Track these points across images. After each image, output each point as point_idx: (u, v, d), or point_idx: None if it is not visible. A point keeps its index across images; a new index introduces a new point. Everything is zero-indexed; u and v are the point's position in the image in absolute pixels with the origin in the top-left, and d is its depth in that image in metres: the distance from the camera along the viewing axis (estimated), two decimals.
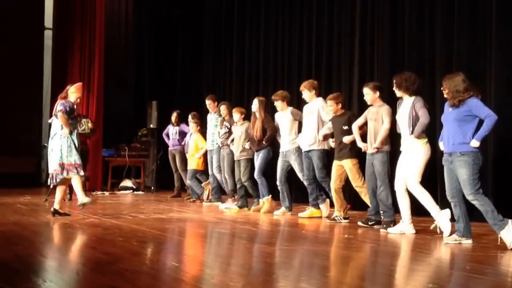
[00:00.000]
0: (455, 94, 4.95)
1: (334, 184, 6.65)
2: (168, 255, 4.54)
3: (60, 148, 6.61)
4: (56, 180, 6.61)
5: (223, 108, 8.65)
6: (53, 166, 6.63)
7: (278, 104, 7.51)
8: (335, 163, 6.69)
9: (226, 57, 11.47)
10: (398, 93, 5.67)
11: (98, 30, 11.88)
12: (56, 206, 6.60)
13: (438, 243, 5.10)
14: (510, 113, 6.10)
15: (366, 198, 6.44)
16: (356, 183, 6.53)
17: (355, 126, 6.32)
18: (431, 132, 5.96)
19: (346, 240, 5.37)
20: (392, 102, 6.21)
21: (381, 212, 6.09)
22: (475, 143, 4.87)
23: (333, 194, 6.70)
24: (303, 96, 7.19)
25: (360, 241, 5.29)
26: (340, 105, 6.73)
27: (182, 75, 12.82)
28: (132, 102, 13.25)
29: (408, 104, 5.55)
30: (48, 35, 12.87)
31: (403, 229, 5.61)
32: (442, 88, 5.13)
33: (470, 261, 4.36)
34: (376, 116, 6.08)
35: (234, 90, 10.98)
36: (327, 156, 6.98)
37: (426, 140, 5.51)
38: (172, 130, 10.30)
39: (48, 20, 12.83)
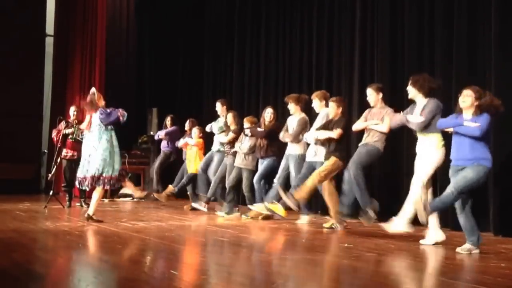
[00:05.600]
0: (473, 105, 4.96)
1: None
2: (167, 263, 4.51)
3: (107, 158, 6.66)
4: (89, 185, 6.66)
5: (230, 116, 8.64)
6: (92, 172, 6.63)
7: (291, 107, 7.53)
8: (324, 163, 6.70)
9: (226, 64, 11.47)
10: (412, 92, 5.60)
11: (99, 37, 11.90)
12: (91, 212, 6.74)
13: (441, 252, 5.08)
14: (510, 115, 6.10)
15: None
16: (320, 176, 6.44)
17: (355, 129, 6.34)
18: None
19: (346, 249, 5.34)
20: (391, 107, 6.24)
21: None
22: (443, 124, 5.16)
23: (323, 193, 6.73)
24: (312, 105, 7.20)
25: (360, 250, 5.26)
26: (340, 109, 6.71)
27: (182, 82, 12.82)
28: (133, 109, 13.22)
29: (421, 105, 5.54)
30: (49, 42, 12.89)
31: (434, 238, 5.44)
32: (460, 94, 5.10)
33: (472, 271, 4.35)
34: (378, 117, 6.11)
35: (235, 98, 10.96)
36: None
37: (443, 143, 5.48)
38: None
39: (50, 27, 12.85)
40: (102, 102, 6.89)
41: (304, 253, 5.21)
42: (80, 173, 6.79)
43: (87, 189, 6.93)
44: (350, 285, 3.92)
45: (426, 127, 5.46)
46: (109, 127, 6.80)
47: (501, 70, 6.33)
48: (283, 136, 7.51)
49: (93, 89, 7.07)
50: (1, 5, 11.85)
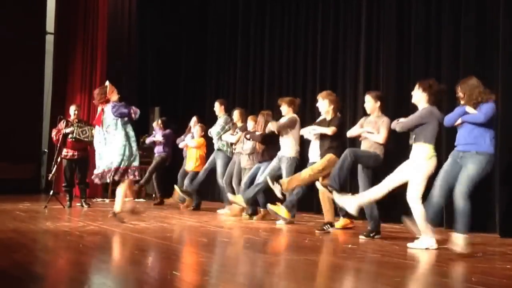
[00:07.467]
0: (471, 97, 4.91)
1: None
2: (169, 264, 4.47)
3: (124, 152, 6.65)
4: (108, 179, 6.67)
5: (236, 114, 8.59)
6: (107, 165, 6.63)
7: (284, 108, 7.52)
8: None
9: (230, 63, 11.43)
10: (416, 97, 5.45)
11: (100, 35, 11.86)
12: (117, 208, 6.70)
13: (445, 254, 5.04)
14: None
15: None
16: (313, 172, 6.38)
17: (349, 135, 6.30)
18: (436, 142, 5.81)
19: (350, 250, 5.30)
20: (395, 113, 6.18)
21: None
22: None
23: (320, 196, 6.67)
24: (317, 104, 7.18)
25: (364, 251, 5.22)
26: (332, 107, 6.66)
27: (185, 81, 12.77)
28: None
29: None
30: (49, 39, 12.85)
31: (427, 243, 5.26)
32: (458, 94, 5.04)
33: (476, 272, 4.30)
34: (373, 126, 6.03)
35: (238, 97, 10.93)
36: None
37: (433, 153, 5.37)
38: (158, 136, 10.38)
39: (50, 25, 12.81)
40: (115, 97, 6.86)
41: (306, 254, 5.16)
42: (97, 168, 6.74)
43: (109, 181, 6.85)
44: (353, 286, 3.88)
45: (418, 136, 5.33)
46: (126, 120, 6.76)
47: (509, 68, 6.27)
48: (270, 125, 7.47)
49: (106, 82, 7.05)
50: (1, 2, 11.81)
